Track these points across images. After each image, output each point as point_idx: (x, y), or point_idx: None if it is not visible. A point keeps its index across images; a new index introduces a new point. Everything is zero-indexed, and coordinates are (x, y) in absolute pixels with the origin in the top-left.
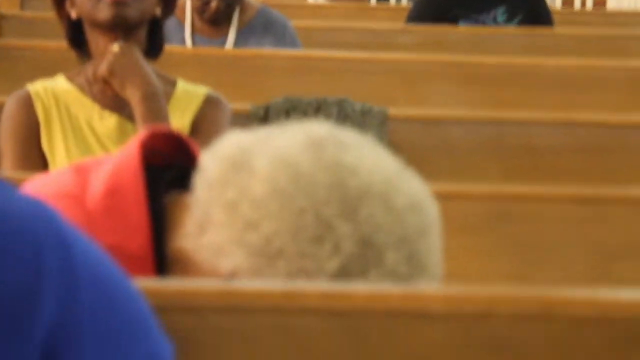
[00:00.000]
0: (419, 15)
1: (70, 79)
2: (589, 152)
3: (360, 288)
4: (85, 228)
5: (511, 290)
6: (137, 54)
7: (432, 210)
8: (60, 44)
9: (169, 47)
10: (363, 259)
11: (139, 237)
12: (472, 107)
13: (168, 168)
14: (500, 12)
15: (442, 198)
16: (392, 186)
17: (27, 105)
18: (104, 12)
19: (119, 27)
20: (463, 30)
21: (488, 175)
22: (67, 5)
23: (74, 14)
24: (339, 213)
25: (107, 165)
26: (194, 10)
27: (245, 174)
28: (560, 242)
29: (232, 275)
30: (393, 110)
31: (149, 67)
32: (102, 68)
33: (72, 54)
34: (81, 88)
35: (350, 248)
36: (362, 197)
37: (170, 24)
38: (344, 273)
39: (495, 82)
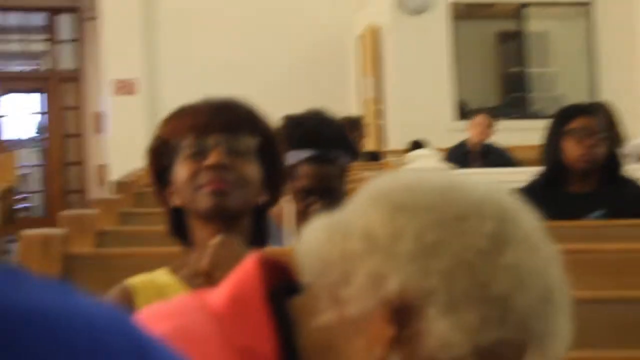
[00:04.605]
0: None
1: (173, 271)
2: None
3: None
4: (216, 332)
5: None
6: (239, 247)
7: None
8: (158, 249)
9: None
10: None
11: (265, 337)
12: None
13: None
14: (595, 216)
15: None
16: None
17: (128, 301)
18: (204, 202)
19: (220, 217)
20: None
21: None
22: (168, 193)
23: (175, 202)
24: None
25: (229, 278)
26: (296, 214)
27: (341, 231)
28: None
29: (401, 294)
30: None
31: None
32: (203, 262)
33: (169, 259)
34: (184, 281)
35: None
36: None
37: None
38: (496, 237)
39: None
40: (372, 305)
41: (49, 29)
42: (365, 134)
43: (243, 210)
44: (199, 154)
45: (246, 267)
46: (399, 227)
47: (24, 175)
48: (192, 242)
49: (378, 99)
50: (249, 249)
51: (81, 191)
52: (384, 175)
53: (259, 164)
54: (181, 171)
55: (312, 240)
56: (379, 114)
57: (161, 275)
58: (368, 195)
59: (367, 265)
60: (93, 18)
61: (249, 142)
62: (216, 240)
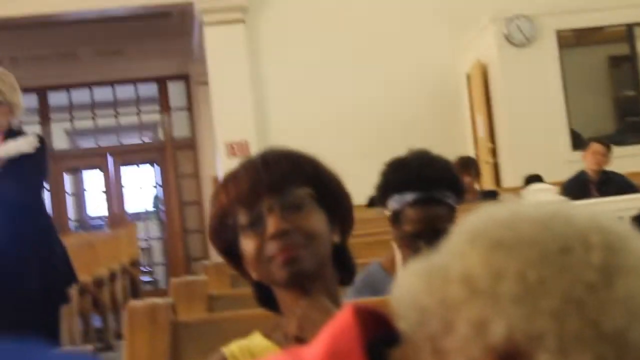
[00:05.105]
0: None
1: (268, 335)
2: None
3: None
4: None
5: None
6: (325, 306)
7: None
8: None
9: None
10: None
11: None
12: None
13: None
14: None
15: None
16: None
17: None
18: (279, 274)
19: (300, 283)
20: None
21: None
22: (247, 268)
23: (254, 277)
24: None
25: (322, 333)
26: (406, 261)
27: (439, 276)
28: None
29: (508, 341)
30: None
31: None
32: (292, 327)
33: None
34: (279, 343)
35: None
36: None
37: (379, 277)
38: (605, 268)
39: None
40: (478, 354)
41: (160, 98)
42: (481, 173)
43: (321, 265)
44: (256, 224)
45: (341, 320)
46: (499, 267)
47: (147, 248)
48: (281, 308)
49: (491, 137)
50: (338, 302)
51: (204, 258)
52: (479, 211)
53: (320, 208)
54: (246, 247)
55: (408, 287)
56: (493, 151)
57: (256, 340)
58: (464, 234)
59: (468, 312)
60: (203, 83)
61: (302, 193)
62: (302, 305)
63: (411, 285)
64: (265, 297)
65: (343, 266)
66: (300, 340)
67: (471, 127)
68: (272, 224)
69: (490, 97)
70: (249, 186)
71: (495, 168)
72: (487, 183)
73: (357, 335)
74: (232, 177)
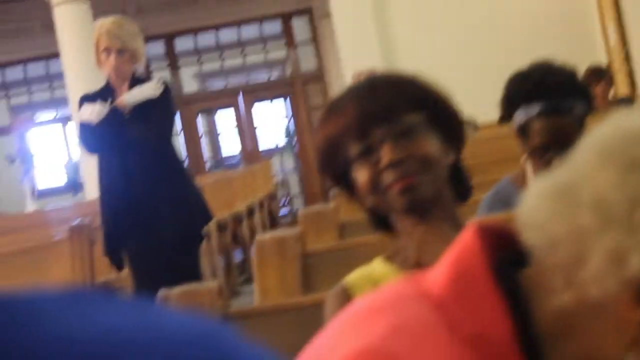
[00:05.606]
0: None
1: (389, 259)
2: None
3: None
4: (440, 322)
5: None
6: (444, 230)
7: None
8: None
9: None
10: None
11: (499, 320)
12: None
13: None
14: None
15: None
16: None
17: (345, 300)
18: (396, 203)
19: (419, 209)
20: None
21: None
22: (360, 196)
23: (369, 204)
24: None
25: (445, 257)
26: (536, 174)
27: (568, 201)
28: None
29: None
30: None
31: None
32: (412, 253)
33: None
34: (400, 268)
35: None
36: None
37: (509, 191)
38: None
39: None
40: (615, 286)
41: (285, 34)
42: (614, 81)
43: (439, 190)
44: (368, 153)
45: (464, 241)
46: (636, 191)
47: (283, 180)
48: (398, 230)
49: (623, 44)
50: (458, 223)
51: None
52: (609, 121)
53: (431, 130)
54: (359, 177)
55: (535, 212)
56: (626, 58)
57: (377, 266)
58: (594, 150)
59: (602, 243)
60: (326, 16)
61: (412, 119)
62: (420, 230)
63: (538, 210)
64: (381, 222)
65: (460, 184)
66: (420, 265)
67: (602, 36)
68: (386, 154)
69: (620, 4)
70: (357, 117)
71: (630, 75)
72: (622, 90)
73: (481, 256)
74: (337, 107)
